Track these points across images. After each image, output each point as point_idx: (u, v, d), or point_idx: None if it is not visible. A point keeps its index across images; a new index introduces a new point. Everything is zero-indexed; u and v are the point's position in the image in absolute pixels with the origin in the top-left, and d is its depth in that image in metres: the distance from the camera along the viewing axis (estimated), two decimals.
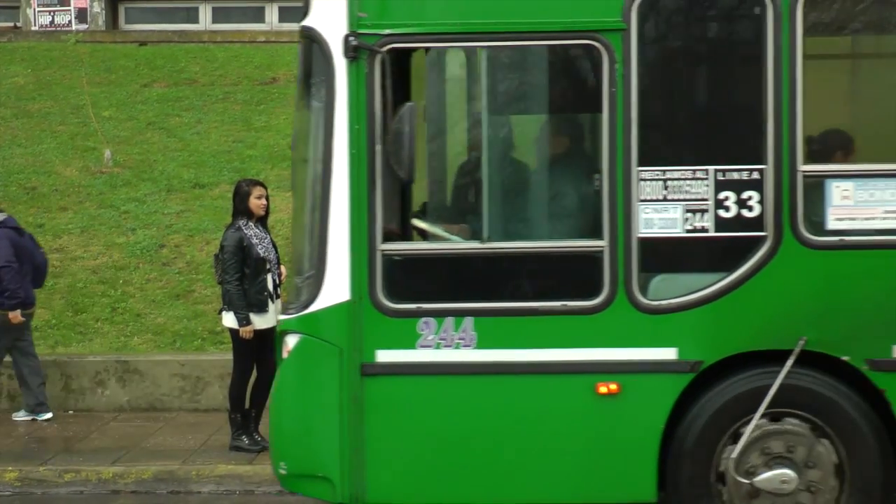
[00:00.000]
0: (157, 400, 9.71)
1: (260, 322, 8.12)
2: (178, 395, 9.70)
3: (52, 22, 20.06)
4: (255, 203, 8.17)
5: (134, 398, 9.72)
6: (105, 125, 14.35)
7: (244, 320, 8.05)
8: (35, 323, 10.33)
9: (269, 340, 7.97)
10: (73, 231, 11.93)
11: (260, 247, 8.09)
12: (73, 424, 9.35)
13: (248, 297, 8.04)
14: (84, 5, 20.11)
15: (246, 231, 8.09)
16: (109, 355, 9.94)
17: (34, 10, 20.03)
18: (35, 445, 8.75)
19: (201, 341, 10.23)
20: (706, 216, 5.66)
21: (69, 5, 20.14)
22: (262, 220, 8.27)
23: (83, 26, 19.71)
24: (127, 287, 11.03)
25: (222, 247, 8.14)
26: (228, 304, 8.11)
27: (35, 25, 19.97)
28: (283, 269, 8.27)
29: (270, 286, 8.15)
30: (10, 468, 8.14)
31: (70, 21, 20.02)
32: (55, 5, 20.14)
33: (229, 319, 8.16)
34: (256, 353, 8.20)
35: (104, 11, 20.12)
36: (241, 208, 8.19)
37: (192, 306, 10.69)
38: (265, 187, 8.37)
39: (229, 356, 9.04)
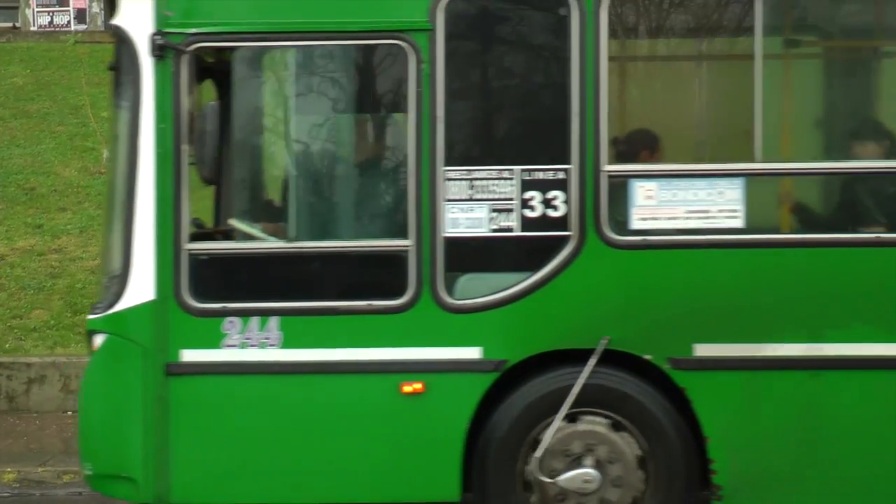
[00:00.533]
0: None
1: None
2: None
3: (50, 22, 20.13)
4: None
5: None
6: (104, 125, 14.34)
7: None
8: (34, 324, 10.33)
9: None
10: (72, 231, 11.93)
11: None
12: (72, 425, 9.34)
13: None
14: (83, 6, 20.17)
15: None
16: None
17: (33, 10, 20.09)
18: (34, 446, 8.74)
19: None
20: (512, 216, 5.69)
21: (68, 6, 20.20)
22: None
23: (82, 27, 19.80)
24: None
25: None
26: None
27: (34, 26, 20.05)
28: None
29: None
30: (9, 469, 8.17)
31: (69, 21, 20.09)
32: (54, 6, 20.20)
33: None
34: None
35: (103, 12, 20.14)
36: None
37: None
38: None
39: None
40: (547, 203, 5.69)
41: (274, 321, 5.73)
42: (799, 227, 6.01)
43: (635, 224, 5.68)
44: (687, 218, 5.67)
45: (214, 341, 5.74)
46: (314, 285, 5.89)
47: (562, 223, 5.68)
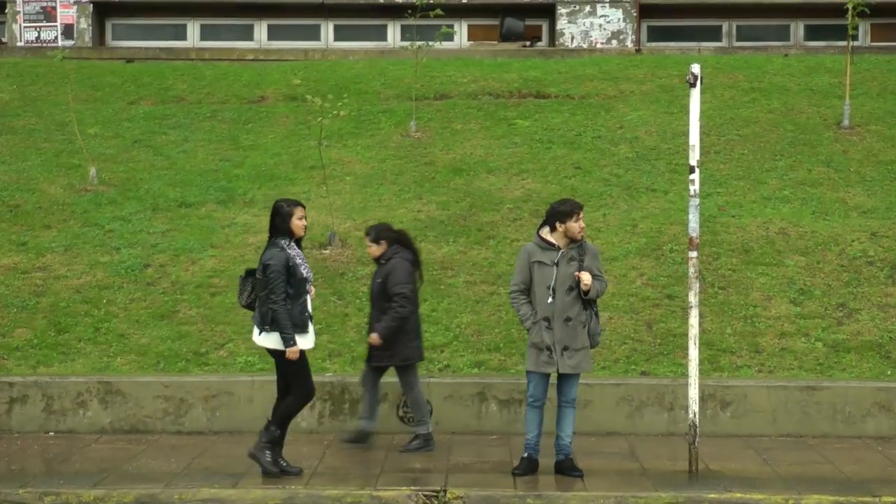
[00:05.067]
0: (139, 422, 9.68)
1: (303, 342, 8.18)
2: (161, 417, 9.68)
3: (38, 38, 20.08)
4: (297, 224, 8.31)
5: (116, 420, 9.69)
6: (90, 143, 14.35)
7: (291, 341, 8.11)
8: (17, 342, 10.29)
9: (304, 357, 8.29)
10: (56, 249, 11.92)
11: (303, 267, 8.21)
12: (53, 446, 9.32)
13: (292, 318, 8.11)
14: (71, 21, 20.15)
15: (289, 251, 8.17)
16: (92, 376, 9.92)
17: (20, 25, 20.05)
18: (15, 467, 8.71)
19: (185, 363, 10.23)
20: None
21: (55, 21, 20.16)
22: (297, 241, 8.34)
23: (69, 42, 19.75)
24: (111, 307, 11.02)
25: (266, 266, 8.17)
26: (272, 325, 8.15)
27: (21, 41, 20.00)
28: (312, 288, 8.37)
29: (310, 306, 8.24)
30: None
31: (56, 37, 20.04)
32: (41, 21, 20.16)
33: (272, 340, 8.19)
34: None
35: (91, 28, 20.17)
36: (282, 228, 8.28)
37: (176, 327, 10.69)
38: (304, 207, 8.43)
39: (213, 378, 9.00)
40: None
41: None
42: None
43: None
44: None
45: None
46: None
47: None
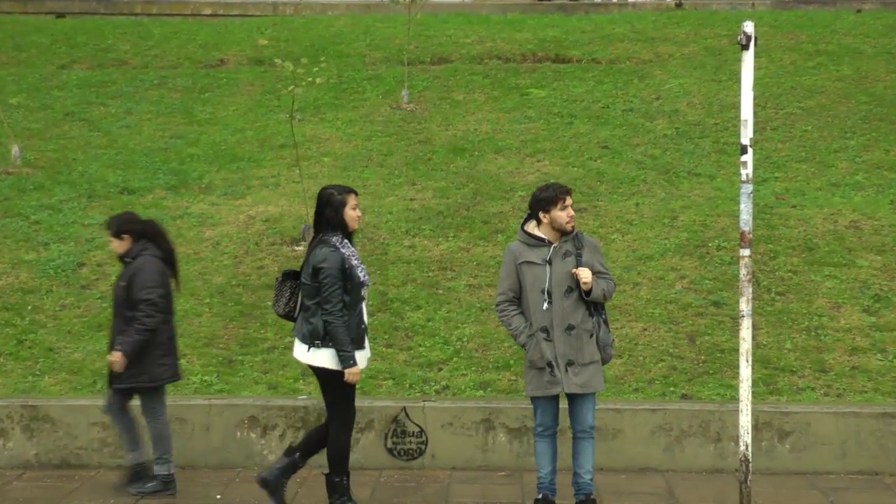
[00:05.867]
0: (72, 454, 9.68)
1: (361, 360, 8.21)
2: (98, 449, 9.68)
3: None
4: (352, 215, 8.24)
5: (44, 452, 9.69)
6: (13, 115, 14.34)
7: (352, 360, 8.10)
8: None
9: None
10: None
11: (359, 269, 8.16)
12: None
13: (350, 331, 8.08)
14: None
15: (344, 250, 8.14)
16: (13, 399, 9.91)
17: None
18: None
19: None
20: None
21: None
22: (350, 236, 8.32)
23: None
24: (37, 315, 11.02)
25: (318, 270, 8.08)
26: (325, 341, 8.08)
27: None
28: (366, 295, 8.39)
29: (365, 317, 8.27)
30: None
31: None
32: None
33: (324, 358, 8.13)
34: None
35: None
36: (334, 221, 8.22)
37: None
38: (357, 194, 8.40)
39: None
40: None
41: None
42: None
43: None
44: None
45: None
46: None
47: None
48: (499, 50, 16.50)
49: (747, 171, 8.35)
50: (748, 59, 8.32)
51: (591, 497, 8.34)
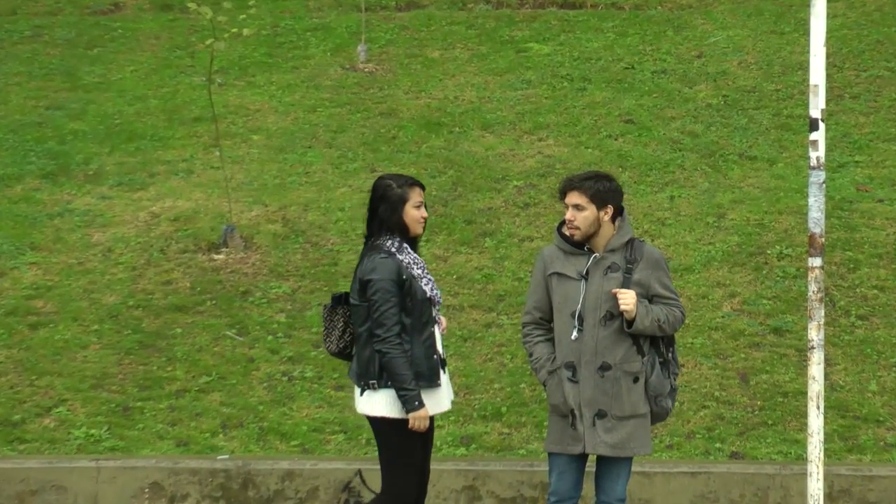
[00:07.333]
0: None
1: (431, 402, 8.09)
2: None
3: None
4: (414, 215, 8.17)
5: None
6: None
7: (416, 400, 8.01)
8: None
9: (429, 432, 8.08)
10: None
11: (425, 280, 8.13)
12: None
13: (414, 363, 8.04)
14: None
15: (402, 257, 8.12)
16: None
17: None
18: None
19: None
20: None
21: None
22: (412, 242, 8.29)
23: None
24: None
25: (366, 283, 8.01)
26: (380, 378, 8.02)
27: None
28: (442, 318, 8.29)
29: (439, 345, 8.19)
30: None
31: None
32: None
33: (380, 404, 8.04)
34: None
35: None
36: (391, 222, 8.17)
37: None
38: (423, 188, 8.36)
39: (33, 463, 8.91)
40: None
41: None
42: None
43: None
44: None
45: None
46: None
47: None
48: None
49: (818, 154, 8.37)
50: (820, 4, 8.36)
51: None
